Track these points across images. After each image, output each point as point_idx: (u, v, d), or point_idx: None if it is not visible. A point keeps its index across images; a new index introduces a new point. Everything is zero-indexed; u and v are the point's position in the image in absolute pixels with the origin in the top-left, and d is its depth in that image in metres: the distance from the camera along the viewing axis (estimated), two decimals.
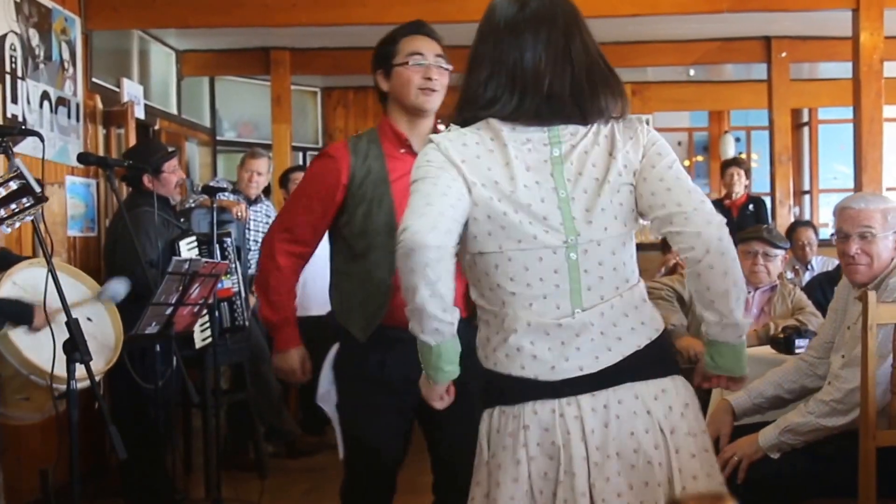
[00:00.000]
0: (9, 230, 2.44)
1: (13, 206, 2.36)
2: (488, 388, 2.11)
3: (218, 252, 4.84)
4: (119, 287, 4.08)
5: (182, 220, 5.15)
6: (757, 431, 3.14)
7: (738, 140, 10.84)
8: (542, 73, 2.03)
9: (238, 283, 5.08)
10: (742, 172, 7.58)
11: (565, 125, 2.04)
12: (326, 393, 3.02)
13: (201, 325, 4.71)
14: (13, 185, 2.36)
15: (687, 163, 11.17)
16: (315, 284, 6.27)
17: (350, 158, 2.89)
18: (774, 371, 3.38)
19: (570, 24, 2.07)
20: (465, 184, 1.99)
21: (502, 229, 2.01)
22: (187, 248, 4.77)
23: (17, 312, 3.38)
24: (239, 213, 5.62)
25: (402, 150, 2.91)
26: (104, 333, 3.88)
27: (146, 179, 4.78)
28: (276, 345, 3.05)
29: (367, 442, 2.96)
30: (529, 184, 2.01)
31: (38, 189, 2.37)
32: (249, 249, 5.75)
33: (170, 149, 5.10)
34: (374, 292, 2.85)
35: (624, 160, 2.03)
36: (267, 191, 7.68)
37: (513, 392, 2.06)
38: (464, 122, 2.09)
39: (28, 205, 2.37)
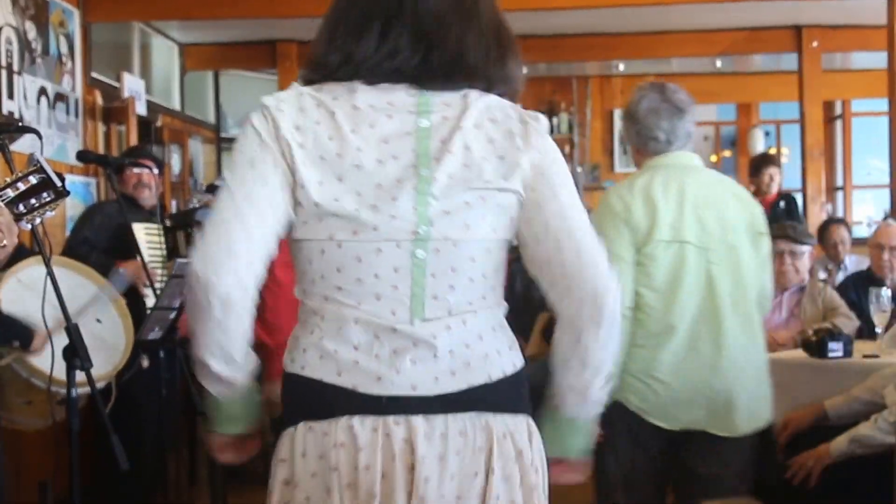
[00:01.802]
0: (29, 226, 2.38)
1: (33, 200, 2.31)
2: (291, 398, 1.70)
3: (183, 241, 4.76)
4: (117, 280, 4.03)
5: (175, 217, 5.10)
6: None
7: (767, 134, 10.73)
8: (448, 24, 1.68)
9: None
10: (778, 171, 7.44)
11: (438, 93, 1.68)
12: None
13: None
14: (33, 180, 2.31)
15: (714, 158, 11.06)
16: None
17: None
18: (875, 376, 3.41)
19: None
20: (286, 172, 1.63)
21: (335, 216, 1.63)
22: (145, 234, 4.70)
23: (14, 334, 3.32)
24: None
25: None
26: (114, 336, 3.84)
27: (117, 179, 4.76)
28: (267, 373, 2.81)
29: None
30: (383, 158, 1.63)
31: (58, 183, 2.33)
32: None
33: (144, 160, 4.96)
34: None
35: (511, 163, 1.68)
36: None
37: (323, 403, 1.65)
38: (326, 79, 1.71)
39: (48, 199, 2.32)
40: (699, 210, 2.83)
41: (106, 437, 2.82)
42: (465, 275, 1.67)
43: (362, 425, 1.62)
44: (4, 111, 4.81)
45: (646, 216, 2.80)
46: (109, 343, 3.76)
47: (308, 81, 1.71)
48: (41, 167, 2.29)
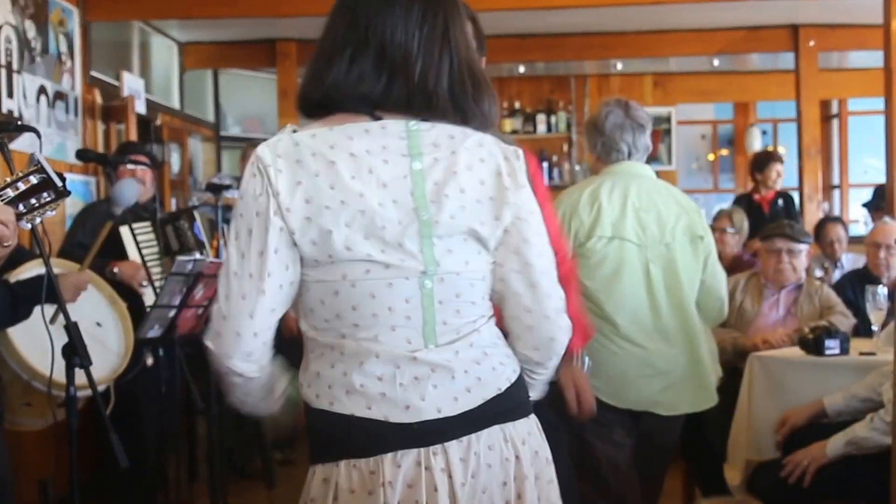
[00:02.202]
0: (29, 226, 2.36)
1: (33, 200, 2.29)
2: (324, 435, 1.75)
3: (173, 236, 4.70)
4: (123, 190, 3.95)
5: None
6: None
7: (764, 133, 10.71)
8: (412, 55, 1.72)
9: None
10: (783, 168, 7.44)
11: (427, 131, 1.73)
12: None
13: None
14: (33, 180, 2.29)
15: (711, 157, 11.06)
16: None
17: None
18: (874, 373, 3.45)
19: (452, 9, 1.78)
20: (288, 233, 1.68)
21: (347, 261, 1.70)
22: (137, 232, 4.64)
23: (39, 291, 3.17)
24: None
25: None
26: (113, 340, 3.83)
27: (109, 178, 4.79)
28: None
29: None
30: (385, 202, 1.69)
31: (59, 183, 2.31)
32: None
33: (138, 157, 4.95)
34: None
35: (500, 202, 1.75)
36: None
37: (362, 440, 1.71)
38: (313, 112, 1.77)
39: (49, 199, 2.30)
40: (640, 212, 3.21)
41: (106, 436, 2.80)
42: (468, 299, 1.76)
43: (406, 460, 1.70)
44: (4, 110, 4.81)
45: (590, 214, 3.20)
46: (108, 347, 3.76)
47: (306, 115, 1.78)
48: (42, 167, 2.27)
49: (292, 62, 7.67)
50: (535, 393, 1.92)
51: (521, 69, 8.85)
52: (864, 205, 7.18)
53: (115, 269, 4.32)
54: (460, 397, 1.73)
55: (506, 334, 1.84)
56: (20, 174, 2.28)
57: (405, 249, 1.70)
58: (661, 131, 9.67)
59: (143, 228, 4.67)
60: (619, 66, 9.00)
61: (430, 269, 1.72)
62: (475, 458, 1.73)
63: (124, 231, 4.55)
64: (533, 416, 1.84)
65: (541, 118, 9.12)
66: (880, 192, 6.67)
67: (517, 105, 9.07)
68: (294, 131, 1.73)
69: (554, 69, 9.11)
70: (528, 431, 1.81)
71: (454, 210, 1.71)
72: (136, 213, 4.81)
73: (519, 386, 1.83)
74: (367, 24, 1.73)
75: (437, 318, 1.74)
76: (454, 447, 1.71)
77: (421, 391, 1.71)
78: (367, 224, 1.68)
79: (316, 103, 1.76)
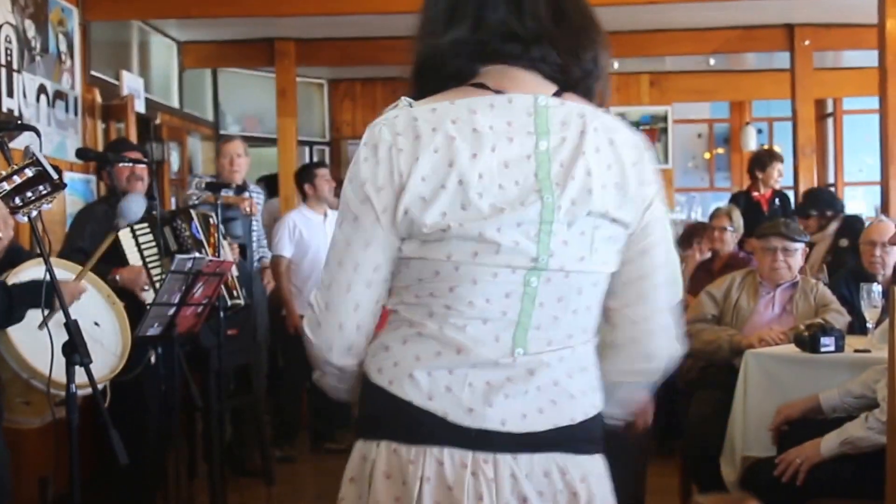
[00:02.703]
0: (25, 219, 2.40)
1: (29, 193, 2.32)
2: (373, 411, 1.62)
3: (171, 237, 4.70)
4: (131, 204, 3.93)
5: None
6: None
7: (759, 132, 10.70)
8: (542, 18, 1.59)
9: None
10: (782, 167, 7.44)
11: (556, 107, 1.57)
12: None
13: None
14: (29, 173, 2.33)
15: (707, 155, 11.06)
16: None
17: None
18: (869, 371, 3.45)
19: None
20: (397, 219, 1.55)
21: (458, 238, 1.54)
22: (137, 233, 4.62)
23: (36, 297, 3.16)
24: (246, 209, 5.49)
25: None
26: (111, 339, 3.80)
27: (103, 175, 4.79)
28: None
29: None
30: (505, 183, 1.53)
31: (55, 175, 2.34)
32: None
33: (131, 153, 4.95)
34: None
35: (626, 193, 1.59)
36: (274, 186, 7.55)
37: (410, 426, 1.57)
38: (435, 88, 1.61)
39: (45, 192, 2.33)
40: None
41: (106, 433, 2.80)
42: (570, 307, 1.59)
43: (451, 460, 1.56)
44: (4, 109, 4.80)
45: None
46: (106, 346, 3.73)
47: (419, 90, 1.65)
48: (37, 160, 2.29)
49: (291, 61, 7.67)
50: (617, 409, 1.75)
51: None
52: (794, 211, 6.91)
53: (117, 277, 4.30)
54: (530, 416, 1.58)
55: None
56: (16, 167, 2.30)
57: (520, 233, 1.54)
58: (658, 130, 9.69)
59: (143, 229, 4.65)
60: (616, 65, 8.99)
61: (541, 260, 1.55)
62: (527, 481, 1.57)
63: (124, 235, 4.49)
64: (600, 457, 1.66)
65: None
66: (811, 195, 6.56)
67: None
68: (409, 105, 1.60)
69: None
70: (589, 470, 1.63)
71: (577, 194, 1.55)
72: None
73: (595, 421, 1.64)
74: None
75: (532, 322, 1.58)
76: (507, 461, 1.56)
77: (490, 398, 1.56)
78: (485, 206, 1.52)
79: (445, 73, 1.61)
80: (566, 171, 1.55)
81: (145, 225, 4.61)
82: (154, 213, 4.82)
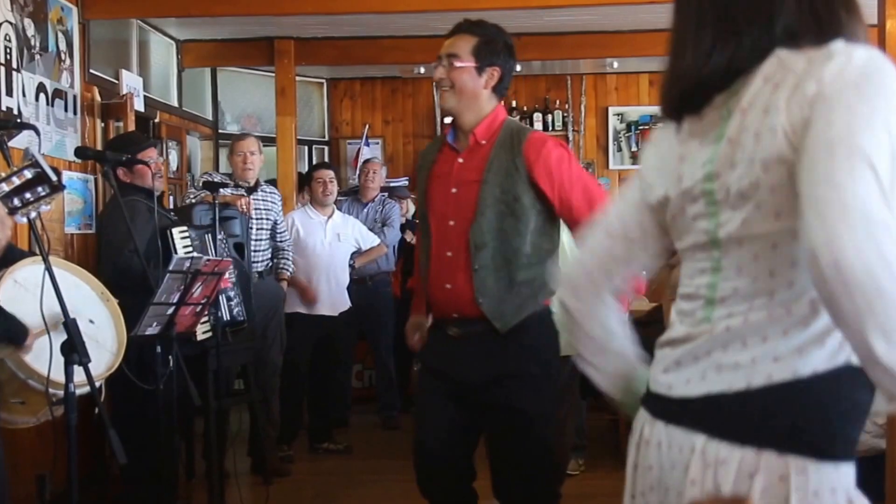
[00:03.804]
0: (24, 219, 2.43)
1: (28, 195, 2.34)
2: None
3: (211, 244, 4.77)
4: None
5: (172, 214, 5.14)
6: None
7: None
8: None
9: (233, 275, 4.99)
10: None
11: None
12: None
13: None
14: (28, 174, 2.34)
15: None
16: (321, 285, 6.23)
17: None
18: None
19: None
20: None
21: (674, 218, 1.63)
22: (180, 237, 4.73)
23: (8, 330, 3.26)
24: (242, 207, 5.49)
25: (447, 147, 3.27)
26: (106, 337, 3.80)
27: (121, 173, 4.76)
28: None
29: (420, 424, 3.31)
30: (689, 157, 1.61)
31: (53, 177, 2.36)
32: (252, 240, 5.62)
33: (145, 139, 5.00)
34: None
35: (776, 128, 1.44)
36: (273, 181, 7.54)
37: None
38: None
39: (43, 193, 2.35)
40: None
41: (105, 433, 2.84)
42: (750, 275, 1.50)
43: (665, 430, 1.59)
44: (3, 107, 4.77)
45: None
46: (101, 344, 3.73)
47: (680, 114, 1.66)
48: (36, 161, 2.30)
49: (290, 60, 7.66)
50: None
51: (518, 68, 8.81)
52: None
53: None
54: (693, 380, 1.55)
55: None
56: (15, 169, 2.32)
57: (703, 205, 1.56)
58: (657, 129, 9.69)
59: (184, 233, 4.75)
60: (616, 64, 9.00)
61: (715, 231, 1.55)
62: (665, 451, 1.59)
63: (176, 232, 4.66)
64: (772, 457, 1.44)
65: (537, 117, 9.13)
66: None
67: (514, 104, 9.08)
68: None
69: (550, 68, 9.12)
70: (738, 462, 1.46)
71: (739, 155, 1.49)
72: (162, 212, 4.85)
73: (779, 400, 1.45)
74: None
75: (717, 295, 1.54)
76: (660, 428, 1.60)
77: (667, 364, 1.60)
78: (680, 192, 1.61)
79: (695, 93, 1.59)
80: (732, 147, 1.58)
81: (185, 229, 4.70)
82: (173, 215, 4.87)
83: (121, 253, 4.45)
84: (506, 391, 3.07)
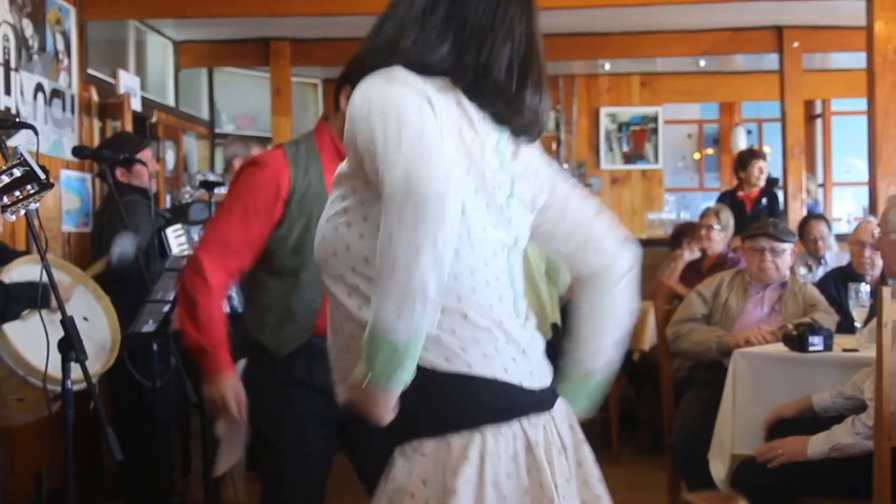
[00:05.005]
0: (14, 217, 2.40)
1: (17, 193, 2.34)
2: (459, 401, 1.68)
3: None
4: (126, 243, 3.99)
5: (168, 213, 5.17)
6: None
7: (749, 132, 10.73)
8: (487, 30, 1.77)
9: None
10: (766, 165, 7.47)
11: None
12: None
13: None
14: (17, 173, 2.34)
15: (697, 156, 11.11)
16: None
17: (290, 170, 2.70)
18: (860, 372, 3.44)
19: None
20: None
21: (473, 210, 1.69)
22: (174, 236, 4.77)
23: (31, 297, 3.24)
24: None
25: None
26: (100, 334, 3.84)
27: (119, 173, 4.79)
28: (205, 373, 2.75)
29: (299, 450, 2.76)
30: (490, 163, 1.74)
31: (42, 176, 2.35)
32: None
33: (141, 140, 5.05)
34: (301, 312, 2.67)
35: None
36: None
37: (499, 403, 1.68)
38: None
39: (33, 192, 2.34)
40: None
41: (102, 430, 2.82)
42: (523, 278, 1.81)
43: (535, 424, 1.71)
44: (1, 107, 4.79)
45: None
46: (96, 341, 3.75)
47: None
48: (24, 160, 2.30)
49: (286, 61, 7.67)
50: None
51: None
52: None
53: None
54: (545, 373, 1.79)
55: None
56: (3, 168, 2.31)
57: (504, 215, 1.75)
58: (648, 130, 9.75)
59: (179, 232, 4.79)
60: (607, 66, 9.04)
61: (512, 239, 1.79)
62: (569, 431, 1.78)
63: (170, 231, 4.70)
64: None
65: None
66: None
67: None
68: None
69: None
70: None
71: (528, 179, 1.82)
72: (159, 211, 4.90)
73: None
74: None
75: (517, 293, 1.77)
76: (559, 416, 1.76)
77: (529, 361, 1.73)
78: (484, 182, 1.73)
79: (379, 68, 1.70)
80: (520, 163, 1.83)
81: (180, 227, 4.73)
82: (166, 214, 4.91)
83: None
84: None
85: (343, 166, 1.76)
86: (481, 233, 1.69)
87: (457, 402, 1.67)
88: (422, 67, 1.68)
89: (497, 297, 1.71)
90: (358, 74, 1.71)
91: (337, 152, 2.70)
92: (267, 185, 2.68)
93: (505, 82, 1.73)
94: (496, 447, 1.66)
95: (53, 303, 3.26)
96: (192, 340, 2.70)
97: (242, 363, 2.79)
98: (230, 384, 2.70)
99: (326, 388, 2.35)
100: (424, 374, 1.63)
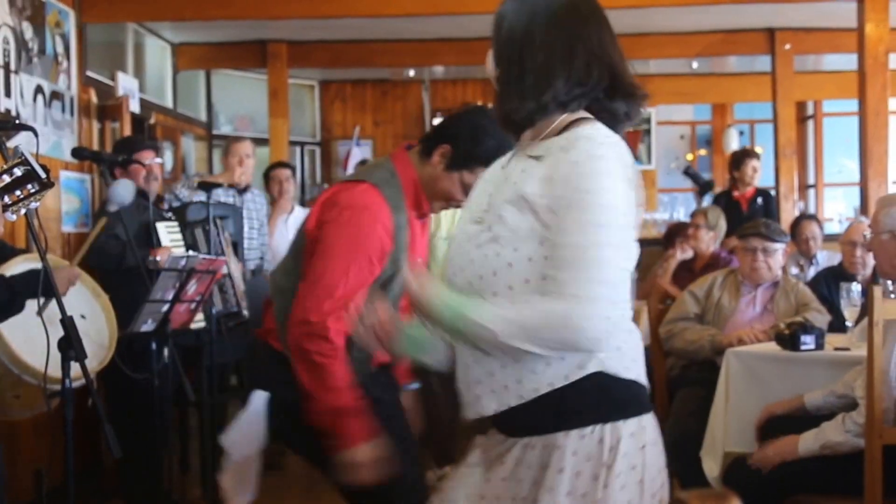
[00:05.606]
0: (14, 217, 2.38)
1: (18, 192, 2.33)
2: (621, 396, 1.88)
3: (202, 239, 4.83)
4: (121, 191, 4.03)
5: (167, 213, 5.15)
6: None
7: (741, 133, 10.78)
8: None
9: (228, 267, 5.03)
10: (759, 164, 7.50)
11: None
12: (244, 438, 2.77)
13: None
14: (18, 172, 2.33)
15: (690, 157, 11.12)
16: None
17: (392, 215, 2.62)
18: (851, 371, 3.44)
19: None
20: None
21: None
22: (166, 232, 4.77)
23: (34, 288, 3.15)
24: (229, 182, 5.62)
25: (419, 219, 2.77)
26: (98, 331, 3.83)
27: (118, 173, 4.79)
28: (349, 436, 2.54)
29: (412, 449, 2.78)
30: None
31: (43, 175, 2.35)
32: (244, 238, 5.70)
33: (144, 142, 5.08)
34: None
35: None
36: None
37: (646, 400, 1.93)
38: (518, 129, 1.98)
39: (33, 191, 2.34)
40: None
41: (101, 428, 2.82)
42: None
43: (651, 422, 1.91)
44: (1, 109, 4.79)
45: (434, 219, 3.57)
46: (93, 339, 3.75)
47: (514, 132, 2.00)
48: (25, 159, 2.30)
49: (283, 63, 7.70)
50: None
51: None
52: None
53: (157, 258, 4.36)
54: None
55: None
56: (4, 167, 2.31)
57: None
58: (641, 132, 9.79)
59: (172, 228, 4.80)
60: None
61: None
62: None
63: (161, 227, 4.71)
64: None
65: None
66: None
67: None
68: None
69: None
70: None
71: None
72: (160, 213, 4.91)
73: None
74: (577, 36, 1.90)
75: None
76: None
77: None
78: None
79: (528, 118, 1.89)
80: None
81: (174, 224, 4.75)
82: (168, 214, 4.94)
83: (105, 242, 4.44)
84: None
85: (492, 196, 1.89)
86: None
87: (618, 395, 1.87)
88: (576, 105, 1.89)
89: (629, 314, 1.85)
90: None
91: (416, 201, 2.68)
92: (377, 235, 2.58)
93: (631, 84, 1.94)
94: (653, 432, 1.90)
95: (71, 278, 3.40)
96: (327, 407, 2.54)
97: (262, 394, 2.72)
98: (376, 444, 2.55)
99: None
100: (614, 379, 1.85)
